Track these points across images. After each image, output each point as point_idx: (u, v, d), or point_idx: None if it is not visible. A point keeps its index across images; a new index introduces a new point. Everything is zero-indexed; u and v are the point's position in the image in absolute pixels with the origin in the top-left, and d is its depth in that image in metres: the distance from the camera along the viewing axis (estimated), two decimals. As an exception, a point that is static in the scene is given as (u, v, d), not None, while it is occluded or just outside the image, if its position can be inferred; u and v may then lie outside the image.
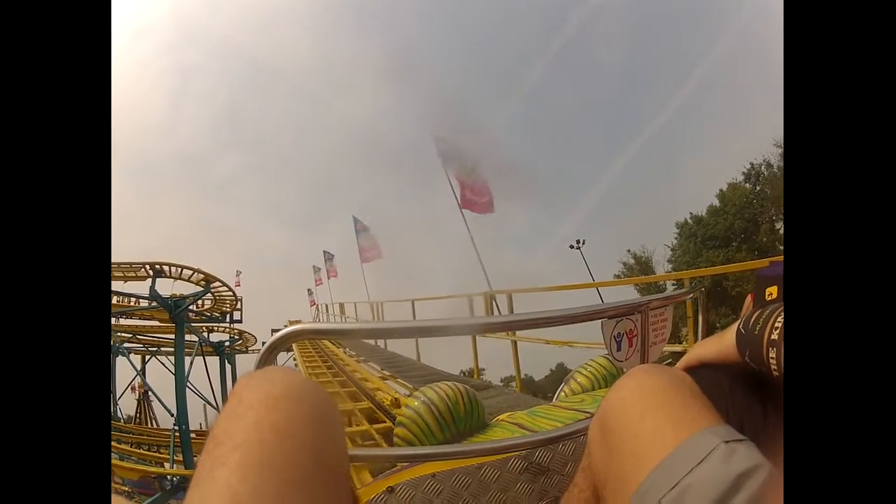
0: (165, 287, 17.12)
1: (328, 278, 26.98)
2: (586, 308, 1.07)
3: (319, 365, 9.14)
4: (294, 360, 9.98)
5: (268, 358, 0.96)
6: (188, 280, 17.15)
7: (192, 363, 19.11)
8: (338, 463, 0.57)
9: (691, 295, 1.35)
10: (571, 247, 25.09)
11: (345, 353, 9.85)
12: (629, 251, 29.27)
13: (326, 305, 24.54)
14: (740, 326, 0.75)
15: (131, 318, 19.41)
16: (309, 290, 31.16)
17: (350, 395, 5.97)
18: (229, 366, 22.76)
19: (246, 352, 23.44)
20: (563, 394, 1.97)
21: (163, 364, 20.94)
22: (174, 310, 16.80)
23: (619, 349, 1.10)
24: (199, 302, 19.85)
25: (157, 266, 16.37)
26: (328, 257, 27.43)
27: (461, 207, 13.24)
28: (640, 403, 0.66)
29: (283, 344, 0.97)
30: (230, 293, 19.27)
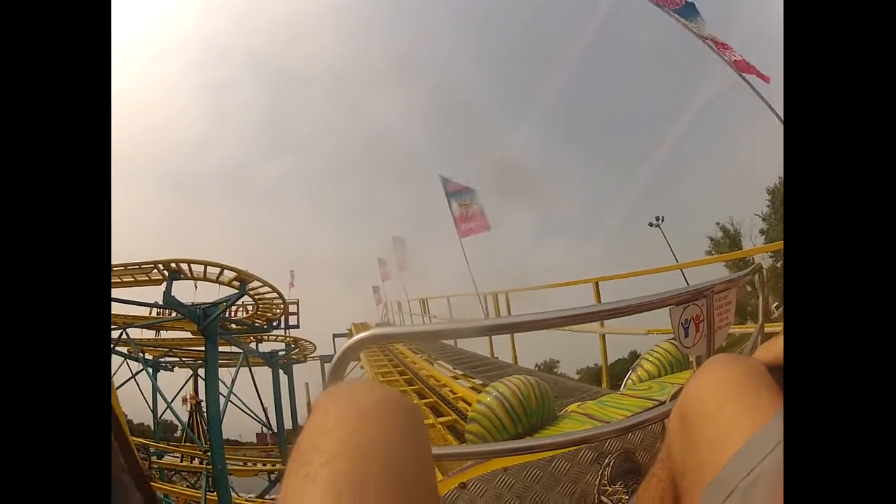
0: (204, 292, 13.53)
1: (401, 270, 22.60)
2: (654, 296, 1.07)
3: (386, 365, 9.20)
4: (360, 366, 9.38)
5: (339, 368, 0.96)
6: (216, 281, 13.64)
7: (235, 375, 15.83)
8: (427, 472, 0.58)
9: (753, 275, 1.31)
10: (651, 224, 22.71)
11: (417, 354, 9.45)
12: (718, 224, 25.59)
13: (399, 303, 20.54)
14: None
15: (164, 330, 16.41)
16: (374, 287, 27.54)
17: (419, 395, 6.04)
18: (286, 376, 18.97)
19: (304, 361, 19.90)
20: (630, 381, 1.96)
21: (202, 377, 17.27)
22: (203, 320, 13.28)
23: (686, 335, 1.10)
24: (239, 308, 16.10)
25: (173, 265, 12.80)
26: (398, 243, 23.04)
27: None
28: (719, 394, 0.67)
29: (355, 352, 0.97)
30: (274, 294, 15.56)
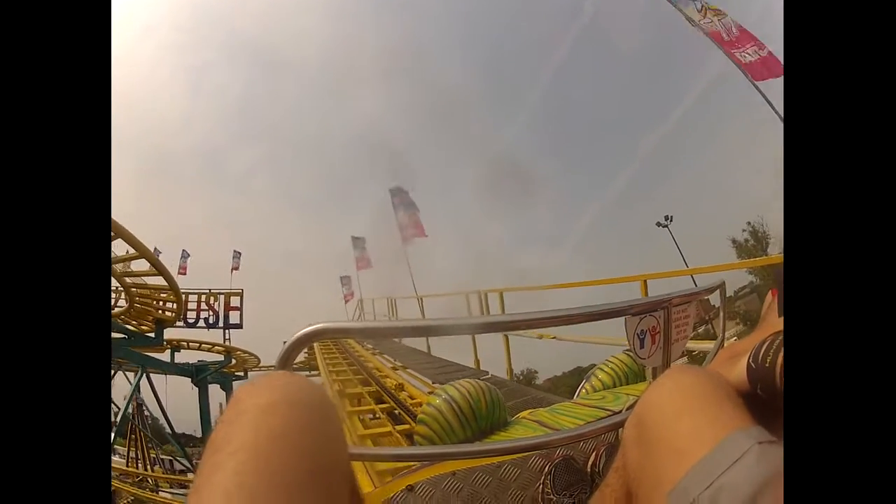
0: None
1: (404, 242, 15.63)
2: (610, 305, 1.06)
3: (341, 363, 9.00)
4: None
5: (289, 357, 0.90)
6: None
7: (136, 384, 12.39)
8: (337, 465, 0.58)
9: (715, 291, 1.33)
10: (659, 224, 21.39)
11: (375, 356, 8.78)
12: (749, 224, 23.58)
13: (393, 300, 14.07)
14: (750, 360, 0.76)
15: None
16: (343, 277, 21.61)
17: (374, 396, 5.94)
18: (224, 392, 14.75)
19: (244, 377, 15.50)
20: (584, 391, 1.97)
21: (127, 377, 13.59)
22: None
23: (641, 346, 1.10)
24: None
25: None
26: (400, 197, 15.02)
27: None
28: (679, 402, 0.67)
29: (307, 342, 0.92)
30: (158, 274, 9.73)
